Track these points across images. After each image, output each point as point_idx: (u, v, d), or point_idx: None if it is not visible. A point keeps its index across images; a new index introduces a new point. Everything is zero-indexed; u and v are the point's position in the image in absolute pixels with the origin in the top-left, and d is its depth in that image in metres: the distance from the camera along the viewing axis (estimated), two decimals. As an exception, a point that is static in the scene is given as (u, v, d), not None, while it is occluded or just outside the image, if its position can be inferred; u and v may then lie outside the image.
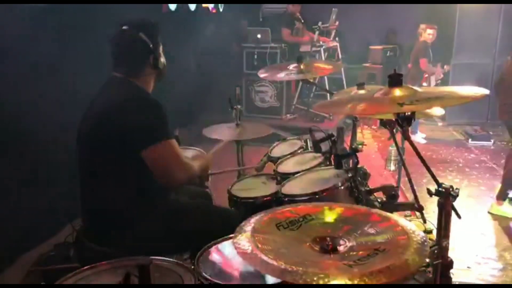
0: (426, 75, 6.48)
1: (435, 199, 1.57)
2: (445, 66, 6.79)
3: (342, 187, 2.13)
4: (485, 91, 1.57)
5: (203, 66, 6.32)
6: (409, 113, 1.60)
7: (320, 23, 6.84)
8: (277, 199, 2.27)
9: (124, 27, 2.05)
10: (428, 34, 6.35)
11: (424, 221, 2.41)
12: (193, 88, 5.71)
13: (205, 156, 2.49)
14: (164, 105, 2.01)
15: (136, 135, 1.92)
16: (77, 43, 3.49)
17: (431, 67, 6.49)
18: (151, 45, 2.05)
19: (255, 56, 6.46)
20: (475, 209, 4.14)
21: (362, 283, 1.07)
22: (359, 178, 2.18)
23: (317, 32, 6.81)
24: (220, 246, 1.81)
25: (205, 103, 6.87)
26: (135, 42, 2.04)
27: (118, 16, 2.16)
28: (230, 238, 1.71)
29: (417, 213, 2.68)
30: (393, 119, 1.78)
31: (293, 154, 2.81)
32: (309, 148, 2.84)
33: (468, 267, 3.21)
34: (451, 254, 1.61)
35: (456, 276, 2.98)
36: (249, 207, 2.34)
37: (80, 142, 2.08)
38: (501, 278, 3.11)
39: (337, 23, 7.32)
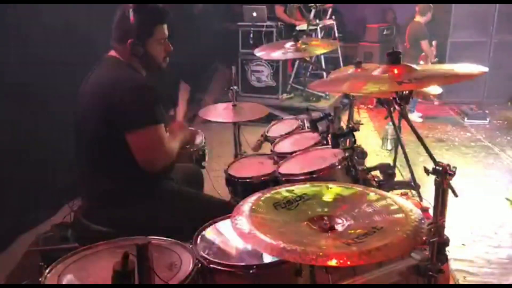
0: (423, 54, 6.45)
1: (431, 177, 1.57)
2: (433, 42, 6.73)
3: (339, 166, 2.14)
4: (484, 69, 1.56)
5: (198, 45, 6.25)
6: (407, 92, 1.59)
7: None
8: (274, 179, 2.27)
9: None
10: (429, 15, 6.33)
11: (421, 199, 2.43)
12: (187, 67, 5.66)
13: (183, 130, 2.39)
14: (155, 88, 1.98)
15: (121, 117, 1.90)
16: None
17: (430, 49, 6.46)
18: (134, 30, 1.98)
19: (251, 35, 6.39)
20: (471, 187, 4.16)
21: (361, 261, 1.08)
22: (356, 157, 2.18)
23: (313, 10, 6.73)
24: (218, 225, 1.81)
25: (200, 83, 6.83)
26: (121, 20, 2.00)
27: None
28: (228, 217, 1.72)
29: (414, 191, 2.69)
30: (391, 98, 1.77)
31: (290, 133, 2.81)
32: (306, 127, 2.83)
33: (463, 244, 3.24)
34: (446, 231, 1.63)
35: (451, 253, 3.01)
36: (246, 187, 2.35)
37: (76, 122, 2.07)
38: (495, 255, 3.14)
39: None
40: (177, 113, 2.48)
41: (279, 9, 6.78)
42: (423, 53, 6.43)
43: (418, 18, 6.45)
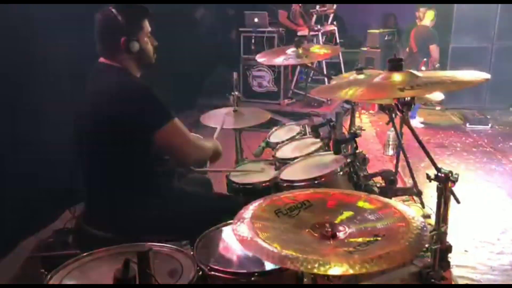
0: (425, 59, 6.45)
1: (433, 183, 1.56)
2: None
3: (341, 173, 2.13)
4: (486, 76, 1.56)
5: (200, 51, 6.27)
6: (409, 98, 1.59)
7: (318, 7, 6.77)
8: (276, 185, 2.27)
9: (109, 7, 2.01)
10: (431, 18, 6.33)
11: (423, 206, 2.42)
12: (189, 72, 5.68)
13: (214, 141, 2.44)
14: (154, 88, 1.99)
15: (143, 122, 1.92)
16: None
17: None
18: (125, 27, 1.97)
19: (253, 41, 6.40)
20: (473, 193, 4.15)
21: (364, 269, 1.08)
22: (358, 163, 2.18)
23: (314, 16, 6.75)
24: (219, 231, 1.81)
25: (202, 88, 6.84)
26: (107, 22, 1.99)
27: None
28: (230, 224, 1.72)
29: (416, 198, 2.68)
30: (392, 104, 1.77)
31: (291, 139, 2.80)
32: (308, 133, 2.83)
33: (465, 251, 3.23)
34: (448, 238, 1.62)
35: (454, 260, 3.00)
36: (247, 192, 2.34)
37: (78, 130, 2.06)
38: (498, 261, 3.13)
39: (335, 6, 7.25)
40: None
41: (282, 15, 6.80)
42: (425, 59, 6.43)
43: (424, 22, 6.45)
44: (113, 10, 1.98)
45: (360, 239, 1.24)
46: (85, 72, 2.10)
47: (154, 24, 2.12)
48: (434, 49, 6.35)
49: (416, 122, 6.34)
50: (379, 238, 1.24)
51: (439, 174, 1.52)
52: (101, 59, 2.05)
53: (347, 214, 1.39)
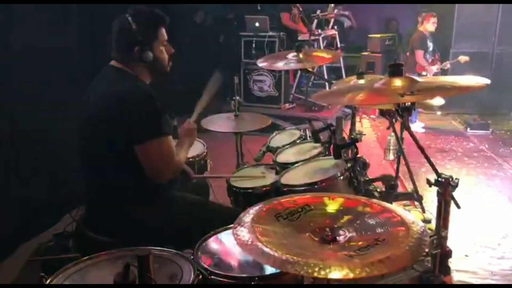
0: (426, 64, 6.46)
1: (434, 188, 1.56)
2: (446, 64, 6.68)
3: (342, 177, 2.13)
4: (486, 81, 1.56)
5: (200, 55, 6.28)
6: (409, 103, 1.60)
7: (318, 11, 6.79)
8: (276, 189, 2.26)
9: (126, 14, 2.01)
10: (432, 23, 6.34)
11: (423, 211, 2.42)
12: (190, 77, 5.68)
13: (190, 133, 2.33)
14: (160, 98, 1.97)
15: (130, 129, 1.90)
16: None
17: (425, 60, 6.43)
18: (139, 36, 1.98)
19: (253, 45, 6.42)
20: (474, 198, 4.15)
21: (364, 273, 1.08)
22: (358, 168, 2.18)
23: (315, 21, 6.77)
24: (219, 235, 1.81)
25: (202, 92, 6.83)
26: (123, 29, 1.99)
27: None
28: (230, 228, 1.72)
29: (416, 203, 2.67)
30: (393, 109, 1.77)
31: (292, 144, 2.81)
32: (308, 138, 2.83)
33: (466, 256, 3.22)
34: (449, 242, 1.62)
35: (454, 264, 2.99)
36: (248, 197, 2.34)
37: (80, 132, 2.07)
38: (499, 266, 3.12)
39: (335, 11, 7.28)
40: (196, 107, 2.46)
41: (285, 16, 6.82)
42: (426, 64, 6.43)
43: (420, 28, 6.48)
44: (129, 18, 1.98)
45: (360, 243, 1.24)
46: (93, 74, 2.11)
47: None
48: (418, 54, 6.36)
49: (417, 127, 6.35)
50: (379, 243, 1.24)
51: (440, 179, 1.52)
52: (112, 62, 2.06)
53: (347, 218, 1.40)
